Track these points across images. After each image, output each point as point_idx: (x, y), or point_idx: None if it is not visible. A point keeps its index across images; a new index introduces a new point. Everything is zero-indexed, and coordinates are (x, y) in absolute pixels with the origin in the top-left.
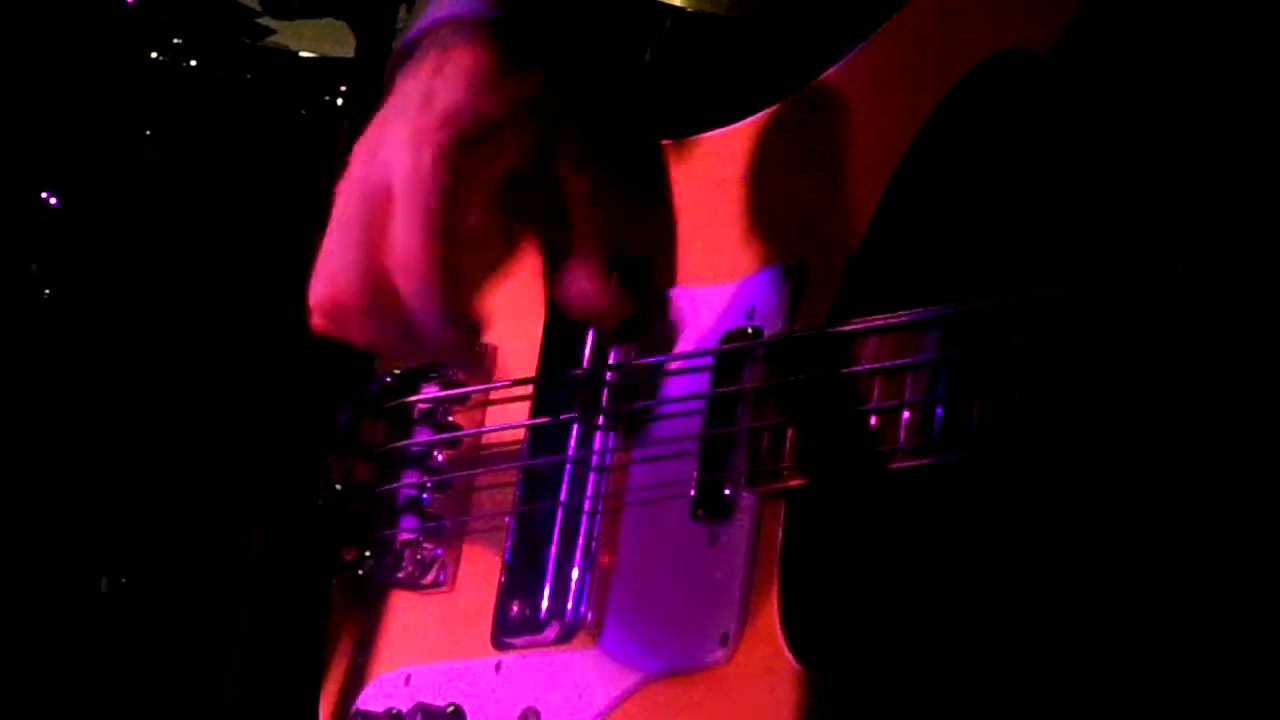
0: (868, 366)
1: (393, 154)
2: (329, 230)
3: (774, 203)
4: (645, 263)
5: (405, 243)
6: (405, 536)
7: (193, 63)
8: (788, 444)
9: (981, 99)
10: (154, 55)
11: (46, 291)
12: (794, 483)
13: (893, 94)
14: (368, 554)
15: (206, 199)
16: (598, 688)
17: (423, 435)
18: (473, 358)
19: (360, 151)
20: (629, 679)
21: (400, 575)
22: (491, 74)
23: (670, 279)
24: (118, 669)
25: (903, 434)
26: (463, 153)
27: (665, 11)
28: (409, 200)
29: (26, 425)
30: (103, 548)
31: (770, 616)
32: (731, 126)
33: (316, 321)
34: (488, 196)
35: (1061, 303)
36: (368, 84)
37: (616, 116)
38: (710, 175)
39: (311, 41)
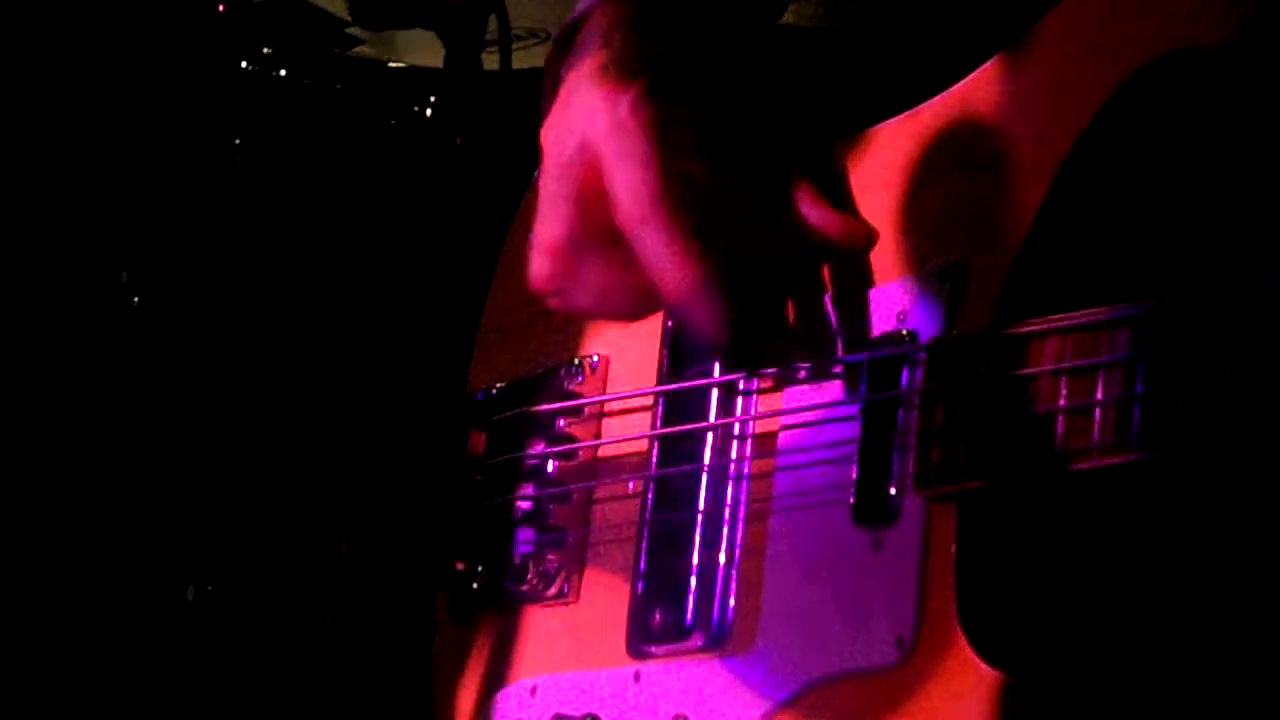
0: (1055, 366)
1: (588, 121)
2: (542, 209)
3: (923, 204)
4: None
5: (630, 190)
6: (525, 549)
7: (282, 72)
8: (963, 447)
9: (1152, 96)
10: (244, 64)
11: (136, 299)
12: (972, 485)
13: (1054, 92)
14: (480, 568)
15: (295, 208)
16: (755, 692)
17: (536, 448)
18: (713, 305)
19: (552, 132)
20: (789, 684)
21: (524, 588)
22: (654, 38)
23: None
24: (203, 680)
25: (1097, 433)
26: (657, 100)
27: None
28: (622, 154)
29: (115, 432)
30: (189, 555)
31: (949, 618)
32: (870, 129)
33: (543, 287)
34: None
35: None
36: (456, 94)
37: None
38: (852, 177)
39: (400, 52)
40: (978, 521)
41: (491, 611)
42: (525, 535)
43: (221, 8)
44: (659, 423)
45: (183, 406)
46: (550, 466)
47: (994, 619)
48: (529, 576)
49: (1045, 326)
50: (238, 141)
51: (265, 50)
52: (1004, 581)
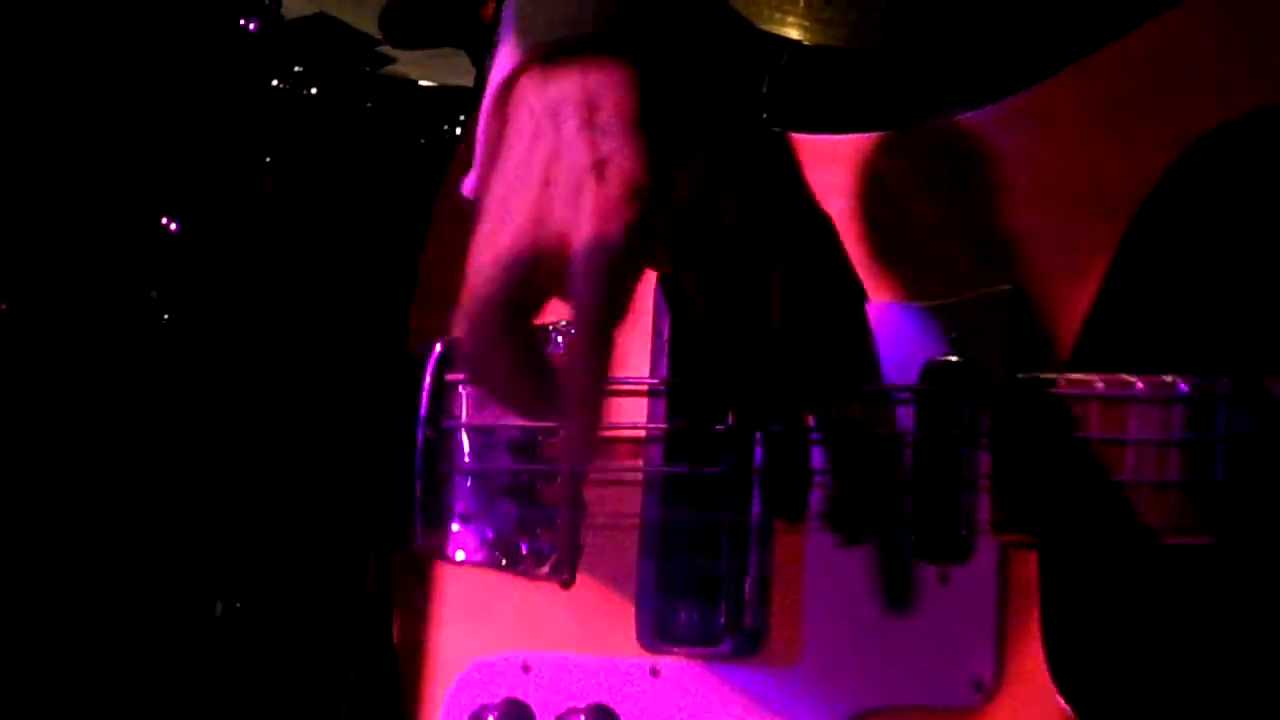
0: (1144, 438)
1: (575, 215)
2: (481, 242)
3: (971, 218)
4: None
5: (587, 320)
6: (511, 522)
7: (313, 90)
8: (1039, 498)
9: (1244, 148)
10: (275, 83)
11: (166, 316)
12: (1049, 541)
13: (1136, 122)
14: (454, 530)
15: (325, 226)
16: (808, 710)
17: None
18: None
19: (505, 179)
20: (845, 707)
21: (507, 561)
22: (656, 141)
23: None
24: (232, 696)
25: (1174, 511)
26: (644, 224)
27: (782, 45)
28: (596, 282)
29: (144, 448)
30: (218, 571)
31: (1036, 662)
32: (936, 121)
33: (462, 341)
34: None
35: None
36: None
37: (750, 121)
38: (887, 178)
39: (431, 70)
40: (1062, 567)
41: (465, 578)
42: (506, 507)
43: (253, 26)
44: (664, 414)
45: (211, 423)
46: (540, 441)
47: (1079, 665)
48: (522, 551)
49: (1121, 393)
50: (268, 160)
51: (296, 69)
52: (1089, 627)
